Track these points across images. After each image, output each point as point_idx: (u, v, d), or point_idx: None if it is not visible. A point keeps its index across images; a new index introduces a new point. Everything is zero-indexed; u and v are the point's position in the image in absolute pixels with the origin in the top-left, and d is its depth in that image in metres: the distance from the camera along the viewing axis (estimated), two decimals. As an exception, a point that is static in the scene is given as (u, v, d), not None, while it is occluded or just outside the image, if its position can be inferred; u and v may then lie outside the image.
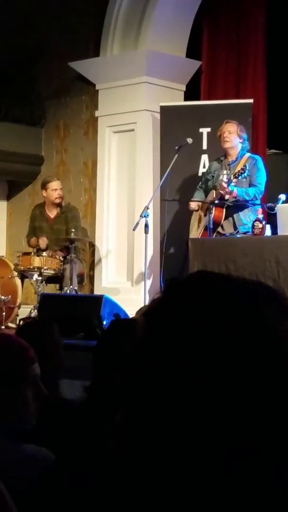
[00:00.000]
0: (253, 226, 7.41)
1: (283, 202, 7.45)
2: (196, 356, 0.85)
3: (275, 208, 7.32)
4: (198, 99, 9.46)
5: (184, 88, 9.60)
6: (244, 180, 7.66)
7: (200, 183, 8.19)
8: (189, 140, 8.01)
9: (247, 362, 0.85)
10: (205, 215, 7.82)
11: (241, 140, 7.88)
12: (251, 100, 8.87)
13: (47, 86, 10.34)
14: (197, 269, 7.12)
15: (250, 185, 7.74)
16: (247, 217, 7.72)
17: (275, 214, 7.27)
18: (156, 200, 8.39)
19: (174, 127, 8.75)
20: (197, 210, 8.02)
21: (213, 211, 7.57)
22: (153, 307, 0.91)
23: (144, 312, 0.91)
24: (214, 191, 7.79)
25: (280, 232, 7.16)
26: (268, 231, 7.36)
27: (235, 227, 7.68)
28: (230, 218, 7.66)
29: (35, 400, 2.26)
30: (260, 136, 9.13)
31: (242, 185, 7.69)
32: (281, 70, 9.23)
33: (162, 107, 9.04)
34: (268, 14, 9.19)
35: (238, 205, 7.63)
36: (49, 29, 10.20)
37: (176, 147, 7.98)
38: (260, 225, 7.31)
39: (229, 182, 7.58)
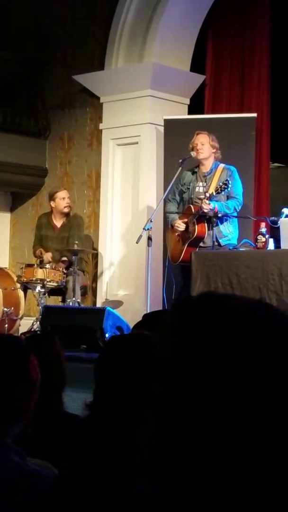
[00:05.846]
0: (256, 239, 7.43)
1: (287, 216, 7.46)
2: (214, 370, 0.90)
3: (278, 222, 7.32)
4: (202, 112, 9.49)
5: (188, 101, 9.63)
6: (223, 193, 7.69)
7: (172, 194, 8.13)
8: (193, 154, 8.02)
9: (261, 373, 0.90)
10: (185, 230, 7.83)
11: (213, 150, 7.93)
12: (254, 114, 8.89)
13: (52, 98, 10.38)
14: (200, 282, 7.16)
15: (228, 197, 7.77)
16: (227, 229, 7.78)
17: (278, 227, 7.28)
18: (159, 212, 8.40)
19: (178, 141, 8.76)
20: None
21: (196, 226, 7.62)
22: (164, 327, 0.94)
23: (160, 332, 0.95)
24: (191, 206, 7.81)
25: (283, 245, 7.16)
26: (271, 245, 7.36)
27: (216, 239, 7.68)
28: (210, 231, 7.68)
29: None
30: (263, 150, 9.15)
31: (220, 197, 7.72)
32: (285, 84, 9.26)
33: (166, 120, 9.07)
34: (273, 29, 9.22)
35: (218, 218, 7.65)
36: (54, 42, 10.25)
37: (180, 160, 7.99)
38: (263, 239, 7.32)
39: (210, 198, 7.61)
